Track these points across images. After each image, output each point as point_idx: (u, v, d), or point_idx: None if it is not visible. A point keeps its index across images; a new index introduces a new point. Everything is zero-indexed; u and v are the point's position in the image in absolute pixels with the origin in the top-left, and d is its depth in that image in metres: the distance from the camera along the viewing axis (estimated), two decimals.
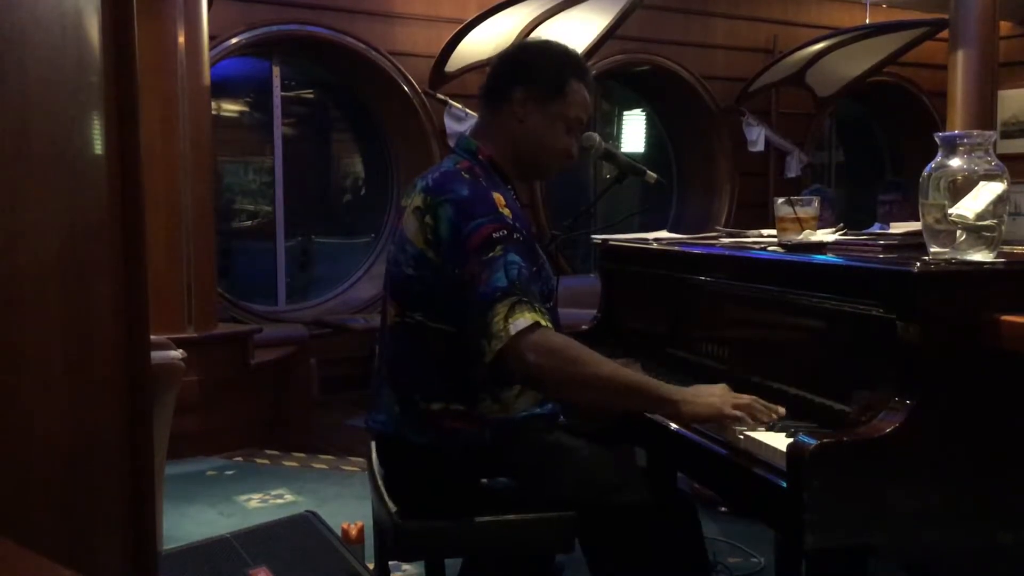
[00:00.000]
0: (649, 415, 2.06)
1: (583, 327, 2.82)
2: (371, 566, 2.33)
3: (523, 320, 1.84)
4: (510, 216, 1.98)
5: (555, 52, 2.21)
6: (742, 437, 1.77)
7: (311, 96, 6.87)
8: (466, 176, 2.04)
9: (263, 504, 3.98)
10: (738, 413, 1.80)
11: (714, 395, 1.86)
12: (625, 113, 7.89)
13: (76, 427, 1.29)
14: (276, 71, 6.21)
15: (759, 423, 1.79)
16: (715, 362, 2.20)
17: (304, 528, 2.30)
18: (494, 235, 1.93)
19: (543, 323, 1.86)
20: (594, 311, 2.92)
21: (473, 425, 2.02)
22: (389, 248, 2.19)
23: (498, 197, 2.00)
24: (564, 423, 2.16)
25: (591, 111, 2.26)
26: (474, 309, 1.90)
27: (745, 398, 1.84)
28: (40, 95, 1.24)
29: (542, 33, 5.86)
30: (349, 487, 4.15)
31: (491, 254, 1.91)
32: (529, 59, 2.20)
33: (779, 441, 1.67)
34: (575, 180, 7.49)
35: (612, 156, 2.53)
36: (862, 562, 1.70)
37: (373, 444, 2.20)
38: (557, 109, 2.16)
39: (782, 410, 1.82)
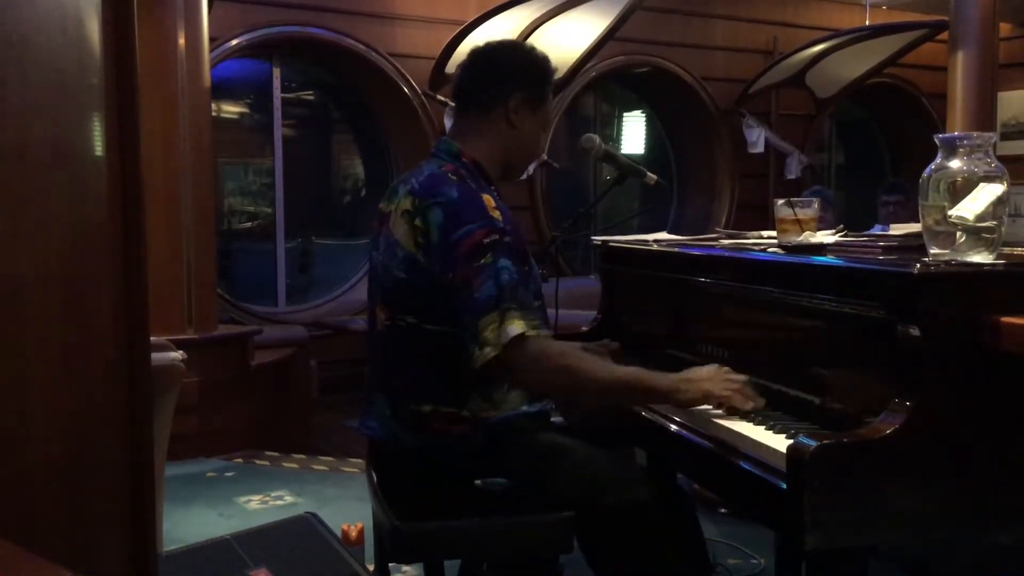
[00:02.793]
0: (647, 415, 2.06)
1: (583, 328, 2.82)
2: (371, 567, 2.33)
3: (514, 328, 1.87)
4: (500, 219, 1.98)
5: (540, 57, 2.23)
6: (723, 425, 1.80)
7: (311, 97, 6.87)
8: (453, 178, 2.04)
9: (263, 505, 3.97)
10: (727, 392, 1.86)
11: (705, 379, 1.90)
12: (625, 114, 7.89)
13: (76, 427, 1.29)
14: (276, 72, 6.21)
15: (743, 406, 1.85)
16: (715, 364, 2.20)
17: (304, 529, 2.29)
18: (484, 241, 1.93)
19: (532, 332, 1.88)
20: (594, 312, 2.92)
21: (463, 427, 2.02)
22: (373, 255, 2.18)
23: (487, 199, 2.01)
24: (562, 424, 2.16)
25: None
26: (465, 316, 1.91)
27: (738, 377, 1.89)
28: (41, 97, 1.24)
29: (542, 35, 5.85)
30: (349, 488, 4.15)
31: (482, 261, 1.91)
32: (520, 63, 2.20)
33: (779, 442, 1.67)
34: (575, 181, 7.49)
35: (612, 157, 2.53)
36: (862, 563, 1.70)
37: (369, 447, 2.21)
38: (542, 114, 2.21)
39: (761, 401, 1.88)
